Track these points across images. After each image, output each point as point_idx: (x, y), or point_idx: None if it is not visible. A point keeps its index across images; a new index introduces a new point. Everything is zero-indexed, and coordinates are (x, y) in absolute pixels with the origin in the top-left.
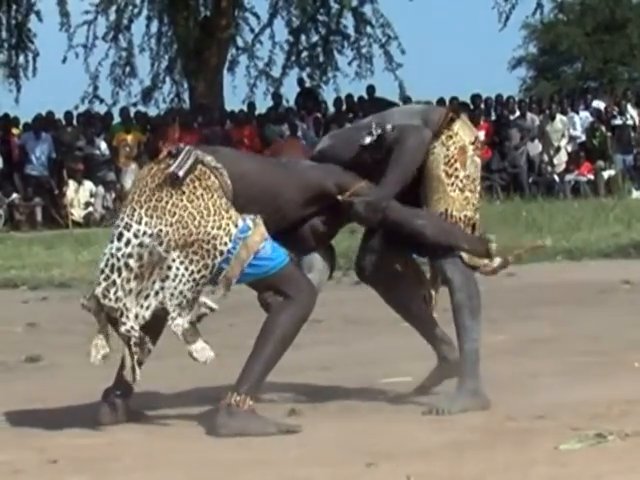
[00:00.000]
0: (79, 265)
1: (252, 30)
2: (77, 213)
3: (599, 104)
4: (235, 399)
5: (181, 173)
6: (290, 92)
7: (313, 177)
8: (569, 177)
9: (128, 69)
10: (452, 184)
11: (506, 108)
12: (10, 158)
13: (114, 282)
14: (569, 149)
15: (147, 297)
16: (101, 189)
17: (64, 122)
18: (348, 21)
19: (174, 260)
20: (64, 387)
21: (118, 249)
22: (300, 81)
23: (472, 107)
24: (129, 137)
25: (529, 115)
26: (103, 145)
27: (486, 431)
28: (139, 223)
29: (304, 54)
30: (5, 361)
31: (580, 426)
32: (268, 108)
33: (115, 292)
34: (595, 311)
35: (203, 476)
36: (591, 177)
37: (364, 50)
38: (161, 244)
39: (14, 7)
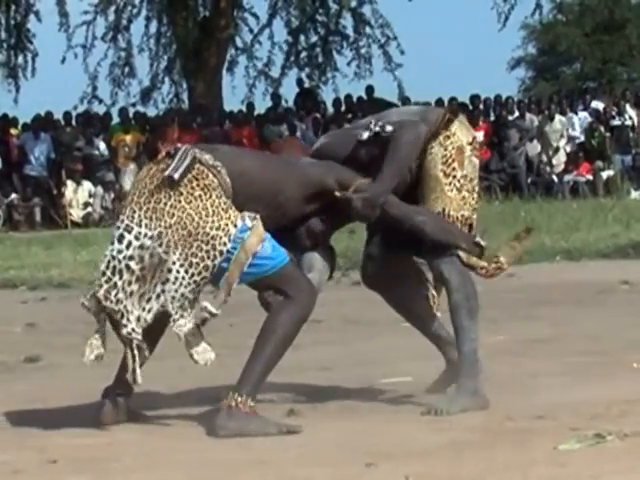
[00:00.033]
0: (78, 265)
1: (251, 30)
2: (76, 213)
3: (598, 104)
4: (236, 400)
5: (176, 175)
6: (289, 92)
7: (314, 174)
8: (568, 177)
9: (127, 69)
10: (450, 184)
11: (505, 108)
12: (9, 158)
13: (115, 284)
14: (568, 149)
15: (149, 300)
16: (100, 189)
17: (63, 122)
18: (347, 21)
19: (174, 263)
20: (63, 387)
21: (119, 251)
22: (299, 81)
23: (471, 107)
24: (128, 137)
25: (528, 115)
26: (102, 145)
27: (485, 431)
28: (139, 225)
29: (303, 54)
30: (4, 361)
31: (579, 426)
32: (267, 108)
33: (116, 294)
34: (594, 311)
35: (203, 476)
36: (590, 177)
37: (363, 50)
38: (161, 246)
39: (13, 7)
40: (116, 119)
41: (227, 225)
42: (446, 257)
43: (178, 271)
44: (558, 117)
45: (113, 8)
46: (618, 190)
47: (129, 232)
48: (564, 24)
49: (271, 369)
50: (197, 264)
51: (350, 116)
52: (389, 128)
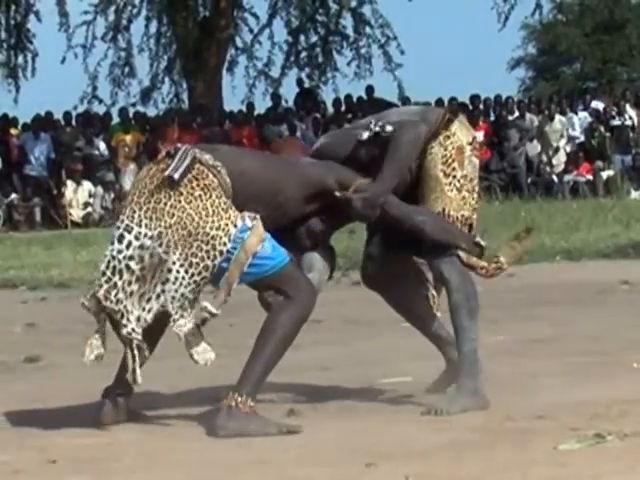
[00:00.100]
0: (78, 265)
1: (251, 30)
2: (76, 213)
3: (598, 104)
4: (236, 400)
5: (176, 175)
6: (289, 92)
7: (314, 173)
8: (568, 177)
9: (127, 69)
10: (450, 184)
11: (505, 108)
12: (9, 158)
13: (115, 284)
14: (568, 149)
15: (149, 300)
16: (100, 189)
17: (63, 122)
18: (347, 21)
19: (174, 263)
20: (63, 387)
21: (119, 251)
22: (299, 81)
23: (471, 107)
24: (128, 137)
25: (528, 115)
26: (102, 145)
27: (485, 431)
28: (139, 225)
29: (303, 54)
30: (4, 361)
31: (579, 426)
32: (267, 108)
33: (116, 294)
34: (594, 311)
35: (203, 476)
36: (590, 177)
37: (363, 50)
38: (161, 246)
39: (13, 7)
40: (116, 119)
41: (227, 225)
42: (446, 257)
43: (178, 271)
44: (558, 117)
45: (113, 8)
46: (618, 190)
47: (129, 232)
48: (564, 24)
49: (271, 369)
50: (197, 264)
51: (350, 116)
52: (389, 128)
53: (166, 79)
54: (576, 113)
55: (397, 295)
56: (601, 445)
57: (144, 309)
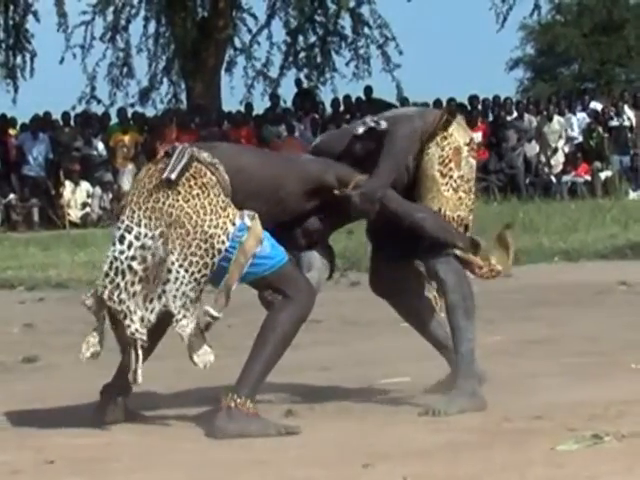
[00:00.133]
0: (76, 266)
1: (250, 31)
2: (74, 214)
3: (596, 105)
4: (235, 401)
5: (173, 176)
6: (287, 93)
7: (313, 169)
8: (566, 178)
9: (125, 70)
10: (446, 184)
11: (503, 109)
12: (7, 159)
13: (118, 285)
14: (566, 150)
15: (152, 300)
16: (98, 190)
17: (61, 123)
18: (346, 22)
19: (173, 263)
20: (61, 387)
21: (121, 252)
22: (297, 82)
23: (469, 108)
24: (126, 138)
25: (526, 116)
26: (100, 146)
27: (483, 432)
28: (139, 225)
29: (302, 55)
30: (2, 362)
31: (577, 427)
32: (265, 109)
33: (119, 295)
34: (592, 312)
35: (202, 476)
36: (588, 178)
37: (362, 51)
38: (162, 245)
39: (11, 7)
40: (114, 119)
41: (225, 223)
42: (442, 257)
43: (178, 271)
44: (556, 118)
45: (112, 8)
46: (616, 191)
47: (129, 232)
48: (562, 25)
49: (270, 369)
50: (197, 262)
51: (348, 116)
52: (383, 123)
53: (164, 79)
54: (574, 114)
55: (404, 302)
56: (599, 446)
57: (147, 309)
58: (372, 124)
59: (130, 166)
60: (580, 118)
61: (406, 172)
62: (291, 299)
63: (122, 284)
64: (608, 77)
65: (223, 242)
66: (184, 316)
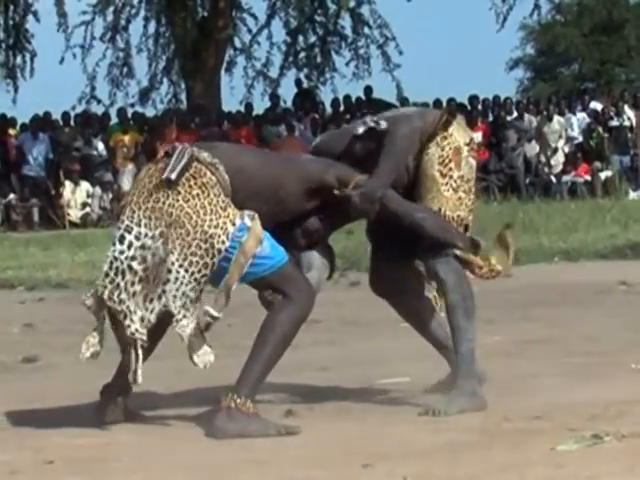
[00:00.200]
0: (76, 266)
1: (250, 31)
2: (74, 214)
3: (596, 105)
4: (235, 401)
5: (173, 176)
6: (287, 93)
7: (314, 169)
8: (566, 178)
9: (125, 70)
10: (446, 184)
11: (503, 109)
12: (7, 159)
13: (118, 285)
14: (566, 150)
15: (152, 300)
16: (98, 190)
17: (61, 123)
18: (346, 22)
19: (173, 263)
20: (61, 387)
21: (121, 252)
22: (297, 82)
23: (469, 108)
24: (126, 138)
25: (526, 116)
26: (100, 146)
27: (483, 432)
28: (139, 225)
29: (302, 55)
30: (2, 362)
31: (577, 427)
32: (265, 109)
33: (119, 295)
34: (592, 312)
35: (202, 477)
36: (588, 178)
37: (362, 51)
38: (162, 245)
39: (11, 7)
40: (114, 119)
41: (225, 223)
42: (442, 257)
43: (178, 271)
44: (556, 118)
45: (112, 8)
46: (616, 191)
47: (129, 232)
48: (562, 25)
49: (270, 369)
50: (197, 262)
51: (349, 117)
52: (383, 123)
53: (164, 79)
54: (574, 114)
55: (404, 302)
56: (599, 446)
57: (147, 309)
58: (372, 124)
59: (130, 166)
60: (580, 118)
61: (406, 172)
62: (291, 299)
63: (122, 284)
64: (608, 77)
65: (223, 242)
66: (184, 316)
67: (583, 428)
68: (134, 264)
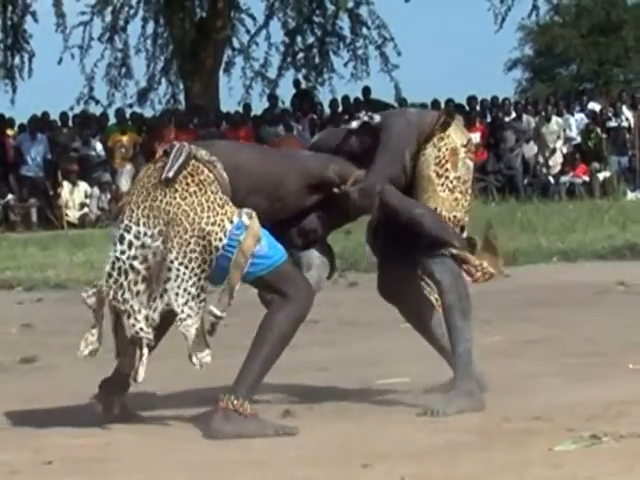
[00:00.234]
0: (74, 266)
1: (248, 31)
2: (72, 214)
3: (594, 106)
4: (233, 402)
5: (170, 174)
6: (286, 93)
7: (313, 165)
8: (564, 179)
9: (124, 70)
10: (442, 184)
11: (502, 110)
12: (5, 159)
13: (121, 285)
14: (564, 151)
15: (155, 299)
16: (96, 190)
17: (60, 123)
18: (344, 22)
19: (172, 261)
20: (60, 388)
21: (122, 252)
22: (296, 82)
23: (468, 109)
24: (125, 138)
25: (525, 117)
26: (99, 146)
27: (481, 432)
28: (137, 224)
29: (300, 55)
30: (1, 362)
31: (575, 427)
32: (264, 109)
33: (122, 294)
34: (590, 312)
35: (201, 477)
36: (586, 179)
37: (360, 51)
38: (162, 244)
39: (10, 8)
40: (113, 120)
41: (223, 221)
42: (437, 258)
43: (178, 268)
44: (555, 118)
45: (110, 9)
46: (614, 191)
47: (128, 232)
48: (561, 25)
49: (268, 369)
50: (196, 259)
51: (347, 117)
52: (377, 117)
53: (163, 80)
54: (573, 114)
55: (409, 306)
56: (597, 446)
57: (151, 308)
58: (366, 118)
59: (128, 166)
60: (578, 119)
61: (404, 173)
62: (289, 298)
63: (125, 283)
64: (606, 78)
65: (220, 239)
66: (188, 315)
67: (581, 428)
68: (136, 263)
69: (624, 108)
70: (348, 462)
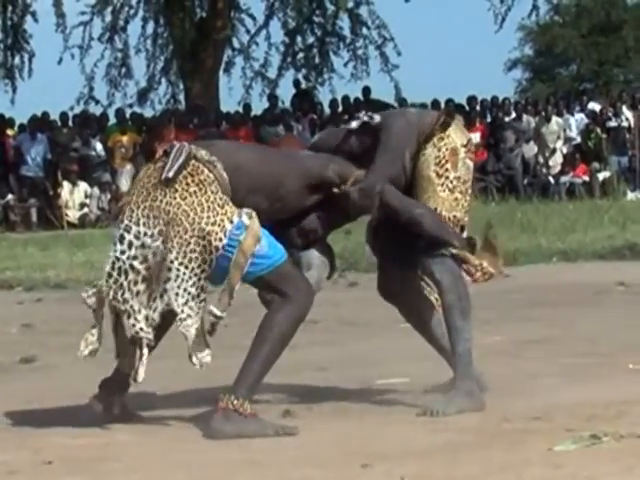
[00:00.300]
0: (74, 266)
1: (248, 31)
2: (72, 214)
3: (594, 106)
4: (232, 403)
5: (170, 174)
6: (286, 93)
7: (313, 165)
8: (564, 179)
9: (124, 70)
10: (442, 184)
11: (502, 110)
12: (5, 159)
13: (121, 285)
14: (564, 151)
15: (155, 299)
16: (96, 190)
17: (60, 123)
18: (344, 22)
19: (172, 261)
20: (59, 388)
21: (122, 252)
22: (296, 82)
23: (468, 109)
24: (125, 138)
25: (525, 117)
26: (99, 146)
27: (481, 432)
28: (137, 224)
29: (300, 55)
30: (0, 362)
31: (575, 427)
32: (264, 109)
33: (122, 294)
34: (590, 312)
35: (201, 477)
36: (586, 179)
37: (360, 51)
38: (162, 244)
39: (10, 8)
40: (113, 120)
41: (223, 221)
42: (437, 258)
43: (178, 268)
44: (555, 118)
45: (110, 9)
46: (614, 191)
47: (128, 232)
48: (561, 25)
49: (268, 369)
50: (196, 258)
51: (347, 117)
52: (377, 117)
53: (163, 80)
54: (573, 114)
55: (409, 306)
56: (597, 446)
57: (151, 308)
58: (365, 118)
59: (128, 167)
60: (578, 119)
61: (404, 174)
62: (289, 298)
63: (125, 283)
64: (606, 78)
65: (220, 239)
66: (188, 315)
67: (581, 428)
68: (136, 263)
69: (624, 108)
70: (348, 462)
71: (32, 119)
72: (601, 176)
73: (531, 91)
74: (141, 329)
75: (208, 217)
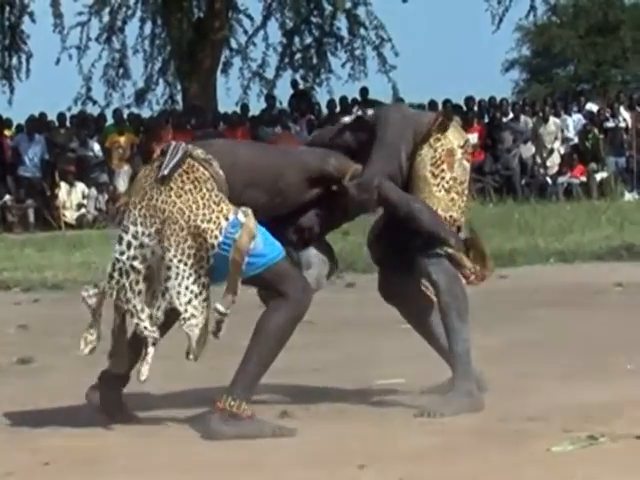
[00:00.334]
0: (71, 267)
1: (246, 32)
2: (70, 215)
3: (592, 106)
4: (230, 404)
5: (166, 172)
6: (283, 94)
7: (312, 159)
8: (562, 179)
9: (121, 71)
10: (438, 185)
11: (499, 110)
12: (3, 160)
13: (123, 285)
14: (562, 151)
15: (157, 298)
16: (94, 191)
17: (57, 124)
18: (341, 23)
19: (171, 260)
20: (56, 388)
21: (122, 252)
22: (293, 83)
23: (465, 109)
24: (122, 139)
25: (522, 117)
26: (96, 147)
27: (478, 433)
28: (135, 224)
29: (297, 56)
30: None
31: (572, 428)
32: (261, 110)
33: (125, 294)
34: (587, 313)
35: (199, 478)
36: (584, 179)
37: (357, 52)
38: (160, 243)
39: (7, 8)
40: (110, 120)
41: (218, 218)
42: (433, 258)
43: (177, 266)
44: (552, 119)
45: (107, 9)
46: (612, 192)
47: (126, 232)
48: (558, 26)
49: (265, 369)
50: (194, 255)
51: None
52: (370, 112)
53: (160, 80)
54: (570, 115)
55: (410, 306)
56: (594, 447)
57: (154, 306)
58: (359, 113)
59: (126, 167)
60: (576, 119)
61: (400, 173)
62: (286, 297)
63: (127, 284)
64: (604, 78)
65: (216, 237)
66: (192, 315)
67: (579, 429)
68: (136, 263)
69: (621, 109)
70: (345, 462)
71: (29, 119)
72: (598, 177)
73: (529, 92)
74: (145, 328)
75: (204, 214)
